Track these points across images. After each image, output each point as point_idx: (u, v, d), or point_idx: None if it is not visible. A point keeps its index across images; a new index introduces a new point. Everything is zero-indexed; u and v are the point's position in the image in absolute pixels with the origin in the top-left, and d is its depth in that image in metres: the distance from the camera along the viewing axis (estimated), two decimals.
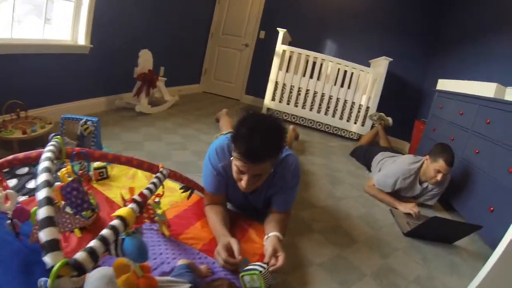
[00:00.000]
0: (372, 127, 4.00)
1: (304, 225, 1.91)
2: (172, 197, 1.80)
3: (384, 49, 4.51)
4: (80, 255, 0.62)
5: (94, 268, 0.73)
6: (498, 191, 2.06)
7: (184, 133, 3.08)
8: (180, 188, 1.66)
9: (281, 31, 4.20)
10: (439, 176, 2.30)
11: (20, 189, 1.63)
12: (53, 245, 0.61)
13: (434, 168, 2.32)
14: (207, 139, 2.97)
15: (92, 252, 0.65)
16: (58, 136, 1.04)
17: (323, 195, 2.38)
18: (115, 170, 1.98)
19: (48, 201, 0.71)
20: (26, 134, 2.01)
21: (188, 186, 1.65)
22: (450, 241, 2.04)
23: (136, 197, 0.96)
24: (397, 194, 2.50)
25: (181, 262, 1.23)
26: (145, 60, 3.27)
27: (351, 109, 4.25)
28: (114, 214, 0.81)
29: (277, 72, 4.34)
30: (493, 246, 1.92)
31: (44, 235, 0.63)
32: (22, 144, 2.03)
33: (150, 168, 1.27)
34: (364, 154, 3.27)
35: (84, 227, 1.30)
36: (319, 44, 5.05)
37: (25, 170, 1.79)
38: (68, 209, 1.12)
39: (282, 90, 4.40)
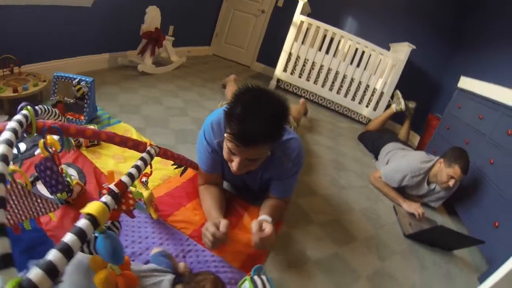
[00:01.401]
0: (387, 107, 3.85)
1: (303, 215, 1.82)
2: (165, 170, 1.70)
3: (406, 33, 4.26)
4: (35, 274, 0.50)
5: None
6: (507, 207, 1.95)
7: (186, 97, 2.95)
8: (172, 165, 1.52)
9: (301, 1, 3.92)
10: (451, 182, 2.18)
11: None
12: (5, 261, 0.51)
13: (447, 173, 2.19)
14: (210, 106, 2.86)
15: (50, 270, 0.52)
16: (29, 107, 0.89)
17: (326, 182, 2.29)
18: None
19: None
20: (17, 92, 1.88)
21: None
22: (449, 249, 1.97)
23: (112, 187, 0.82)
24: (402, 190, 2.40)
25: (155, 250, 1.15)
26: (152, 17, 3.06)
27: (364, 91, 4.06)
28: (82, 210, 0.67)
29: (292, 43, 4.11)
30: (490, 261, 1.88)
31: None
32: (13, 103, 1.89)
33: (136, 146, 1.11)
34: (373, 141, 3.14)
35: (67, 202, 1.21)
36: (339, 19, 4.76)
37: (5, 117, 1.80)
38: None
39: (295, 62, 4.19)
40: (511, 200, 1.94)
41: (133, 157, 1.65)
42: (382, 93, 3.97)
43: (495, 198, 2.09)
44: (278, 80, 4.35)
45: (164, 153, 1.26)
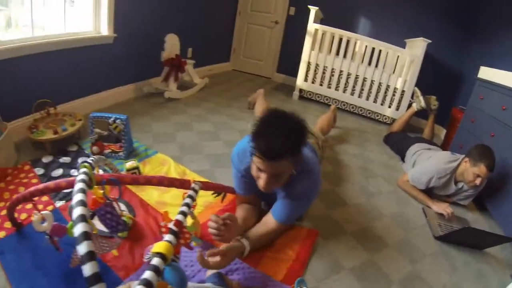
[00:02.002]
0: (409, 107, 3.90)
1: (336, 226, 1.96)
2: (205, 197, 1.85)
3: (421, 27, 4.27)
4: None
5: None
6: None
7: (215, 120, 3.10)
8: (213, 193, 1.71)
9: (313, 9, 4.04)
10: (478, 181, 2.22)
11: (49, 178, 1.80)
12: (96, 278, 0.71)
13: (473, 172, 2.24)
14: (239, 126, 3.00)
15: None
16: (86, 164, 1.08)
17: (356, 191, 2.40)
18: (147, 168, 2.06)
19: (86, 236, 0.79)
20: (57, 133, 2.07)
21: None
22: (480, 248, 2.03)
23: (171, 226, 1.00)
24: (430, 191, 2.48)
25: (209, 273, 1.31)
26: (171, 44, 3.26)
27: (385, 92, 4.11)
28: (152, 250, 0.86)
29: (309, 52, 4.24)
30: None
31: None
32: (55, 144, 2.11)
33: (182, 184, 1.29)
34: (398, 143, 3.22)
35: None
36: (352, 21, 4.82)
37: (59, 172, 1.91)
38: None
39: (315, 70, 4.31)
40: None
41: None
42: (403, 91, 4.01)
43: None
44: (301, 90, 4.49)
45: (206, 186, 1.46)
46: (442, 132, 4.23)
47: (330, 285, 1.52)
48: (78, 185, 0.98)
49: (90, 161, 1.17)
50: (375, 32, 4.66)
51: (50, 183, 1.13)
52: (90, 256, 0.75)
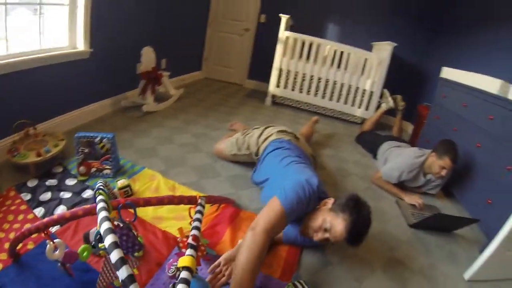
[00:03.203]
0: (378, 107, 4.14)
1: None
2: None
3: (387, 30, 4.56)
4: None
5: None
6: (496, 186, 2.22)
7: (194, 131, 3.13)
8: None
9: (284, 17, 4.21)
10: (443, 172, 2.46)
11: (37, 203, 1.73)
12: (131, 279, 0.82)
13: (439, 164, 2.47)
14: (218, 137, 3.02)
15: None
16: (101, 192, 1.14)
17: (334, 191, 2.51)
18: (137, 184, 2.06)
19: (123, 261, 0.87)
20: (41, 156, 1.97)
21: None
22: (450, 230, 2.25)
23: (190, 241, 1.11)
24: (402, 184, 2.68)
25: None
26: (148, 57, 3.27)
27: (355, 93, 4.34)
28: (179, 265, 0.97)
29: (280, 59, 4.39)
30: (488, 235, 2.13)
31: None
32: (39, 166, 2.02)
33: (190, 201, 1.38)
34: (370, 142, 3.44)
35: None
36: (321, 26, 5.03)
37: (48, 196, 1.82)
38: None
39: (287, 76, 4.47)
40: (498, 179, 2.21)
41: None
42: (371, 92, 4.25)
43: (485, 178, 2.37)
44: (273, 96, 4.63)
45: (209, 200, 1.56)
46: (410, 128, 4.52)
47: (323, 277, 1.65)
48: (102, 214, 1.03)
49: (103, 188, 1.22)
50: (343, 36, 4.90)
51: (66, 213, 1.16)
52: (131, 279, 0.84)
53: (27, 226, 1.16)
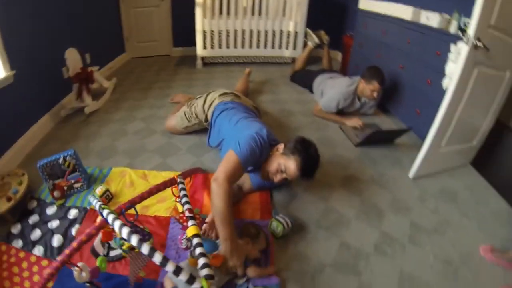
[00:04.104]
0: (305, 46, 4.36)
1: None
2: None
3: None
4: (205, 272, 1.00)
5: None
6: (421, 98, 2.64)
7: (141, 115, 3.09)
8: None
9: None
10: (375, 94, 2.83)
11: (32, 245, 1.68)
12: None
13: (369, 88, 2.82)
14: (165, 113, 3.06)
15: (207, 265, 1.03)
16: (105, 206, 1.26)
17: (282, 132, 2.75)
18: (113, 186, 2.08)
19: (153, 249, 1.02)
20: (11, 199, 1.83)
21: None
22: (391, 141, 2.66)
23: (188, 214, 1.29)
24: (341, 112, 3.02)
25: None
26: (73, 59, 3.07)
27: (280, 37, 4.51)
28: (189, 235, 1.15)
29: (202, 21, 4.34)
30: (422, 138, 2.53)
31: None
32: (14, 210, 1.85)
33: (172, 183, 1.51)
34: (303, 79, 3.73)
35: None
36: None
37: (38, 233, 1.76)
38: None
39: (211, 36, 4.49)
40: (422, 92, 2.62)
41: (143, 189, 1.88)
42: (296, 32, 4.46)
43: (411, 93, 2.79)
44: (203, 58, 4.66)
45: (184, 176, 1.67)
46: (339, 56, 4.87)
47: (295, 206, 1.97)
48: (117, 223, 1.12)
49: (101, 203, 1.35)
50: None
51: (82, 236, 1.23)
52: (166, 260, 0.99)
53: (47, 271, 1.17)
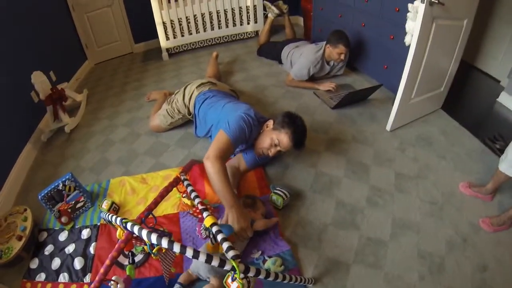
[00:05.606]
0: (266, 19, 4.38)
1: None
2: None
3: None
4: (232, 254, 1.09)
5: None
6: (387, 53, 2.77)
7: (123, 121, 3.06)
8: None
9: None
10: (342, 56, 2.94)
11: (55, 274, 1.71)
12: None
13: (336, 52, 2.92)
14: (146, 113, 3.07)
15: (231, 247, 1.10)
16: (126, 220, 1.31)
17: (260, 107, 2.82)
18: (116, 197, 2.13)
19: (184, 247, 1.10)
20: (22, 238, 1.84)
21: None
22: (365, 99, 2.83)
23: (201, 207, 1.39)
24: (313, 78, 3.14)
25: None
26: (40, 82, 2.93)
27: (240, 13, 4.52)
28: (207, 225, 1.24)
29: (159, 13, 4.29)
30: (393, 91, 2.69)
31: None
32: (27, 247, 1.87)
33: (176, 183, 1.63)
34: (271, 52, 3.79)
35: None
36: None
37: (57, 262, 1.79)
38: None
39: (172, 26, 4.46)
40: (386, 47, 2.74)
41: (146, 194, 2.11)
42: (254, 6, 4.49)
43: (377, 49, 2.92)
44: (168, 49, 4.63)
45: (186, 171, 1.84)
46: (300, 21, 4.93)
47: (289, 176, 2.14)
48: (144, 231, 1.18)
49: (116, 217, 1.42)
50: None
51: (113, 253, 1.31)
52: (197, 252, 1.07)
53: None
